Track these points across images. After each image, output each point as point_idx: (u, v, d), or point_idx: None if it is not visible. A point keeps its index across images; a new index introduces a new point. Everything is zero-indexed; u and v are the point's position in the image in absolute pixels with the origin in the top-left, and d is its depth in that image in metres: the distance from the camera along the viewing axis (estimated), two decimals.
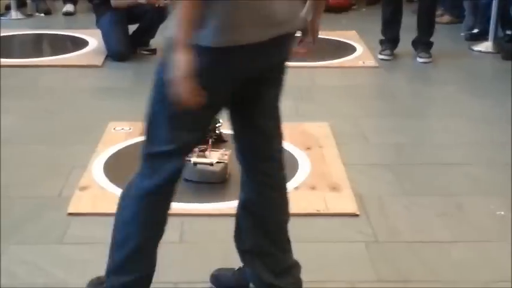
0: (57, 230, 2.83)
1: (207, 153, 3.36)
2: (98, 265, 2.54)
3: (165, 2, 5.18)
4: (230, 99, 2.08)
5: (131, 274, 2.16)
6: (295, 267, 2.36)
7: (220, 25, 1.88)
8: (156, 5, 5.18)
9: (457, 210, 3.05)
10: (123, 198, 2.17)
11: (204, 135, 2.19)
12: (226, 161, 3.31)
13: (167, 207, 2.15)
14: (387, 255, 2.70)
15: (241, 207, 2.32)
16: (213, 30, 1.88)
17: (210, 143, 3.41)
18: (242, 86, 2.06)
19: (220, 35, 1.88)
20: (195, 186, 3.21)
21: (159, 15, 5.22)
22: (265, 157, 2.23)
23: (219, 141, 3.53)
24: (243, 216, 2.31)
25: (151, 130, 2.06)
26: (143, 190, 2.09)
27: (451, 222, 2.95)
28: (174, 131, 2.01)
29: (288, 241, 2.36)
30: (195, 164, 3.26)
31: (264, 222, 2.30)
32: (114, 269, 2.18)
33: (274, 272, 2.29)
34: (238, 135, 2.21)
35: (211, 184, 3.26)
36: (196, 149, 3.28)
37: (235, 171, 3.40)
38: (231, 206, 2.99)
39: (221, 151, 3.40)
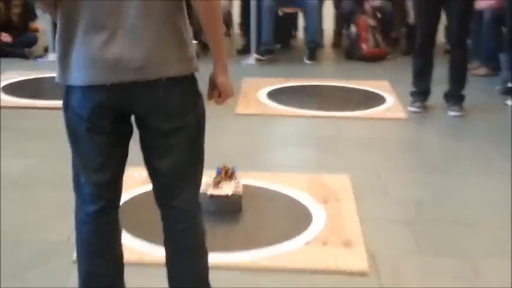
0: (61, 276, 2.79)
1: (220, 184, 3.45)
2: None
3: None
4: (109, 135, 2.13)
5: None
6: None
7: (59, 63, 2.09)
8: None
9: (473, 273, 2.92)
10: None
11: (107, 177, 2.19)
12: (240, 193, 3.42)
13: (104, 236, 2.25)
14: None
15: None
16: (58, 67, 2.10)
17: (223, 175, 3.54)
18: (118, 125, 2.13)
19: (60, 73, 2.10)
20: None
21: None
22: (165, 205, 2.26)
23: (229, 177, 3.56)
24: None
25: (73, 164, 2.23)
26: (77, 220, 2.25)
27: (466, 286, 2.83)
28: (77, 163, 2.20)
29: None
30: (211, 196, 3.37)
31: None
32: None
33: None
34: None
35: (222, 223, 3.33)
36: (210, 181, 3.44)
37: (248, 201, 3.43)
38: (235, 259, 2.96)
39: (234, 182, 3.50)
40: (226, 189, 3.44)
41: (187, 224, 2.26)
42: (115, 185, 2.23)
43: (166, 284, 2.76)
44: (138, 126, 2.17)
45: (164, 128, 2.11)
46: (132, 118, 2.17)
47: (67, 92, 2.12)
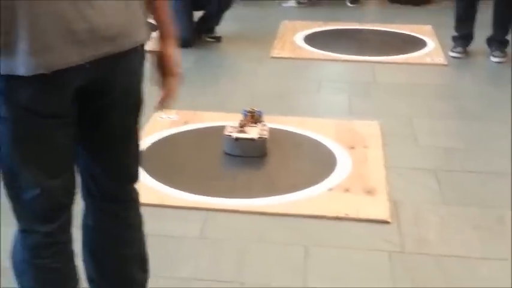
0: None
1: (246, 128, 3.46)
2: None
3: None
4: (72, 126, 1.70)
5: None
6: None
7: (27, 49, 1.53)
8: None
9: (496, 224, 2.87)
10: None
11: (67, 180, 1.75)
12: (266, 136, 3.42)
13: (65, 258, 1.81)
14: (410, 267, 2.56)
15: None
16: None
17: (249, 118, 3.55)
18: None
19: (31, 60, 1.54)
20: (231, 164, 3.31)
21: (224, 2, 5.21)
22: (117, 188, 1.90)
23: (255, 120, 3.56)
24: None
25: (13, 178, 1.70)
26: (27, 247, 1.77)
27: (487, 236, 2.78)
28: (28, 174, 1.68)
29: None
30: (237, 139, 3.37)
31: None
32: None
33: None
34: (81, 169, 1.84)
35: (248, 167, 3.33)
36: (236, 125, 3.45)
37: (274, 145, 3.43)
38: (257, 203, 2.97)
39: (260, 126, 3.49)
40: (252, 132, 3.44)
41: (136, 203, 1.96)
42: (73, 187, 1.79)
43: (185, 226, 2.81)
44: (99, 109, 1.74)
45: (126, 103, 1.77)
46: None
47: (11, 86, 1.57)
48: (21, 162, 1.66)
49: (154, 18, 1.80)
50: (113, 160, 1.84)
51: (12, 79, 1.56)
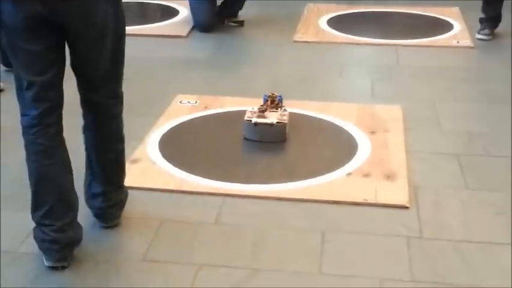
0: None
1: (266, 113, 3.43)
2: (130, 242, 2.55)
3: None
4: (46, 42, 2.27)
5: (43, 207, 2.37)
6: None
7: None
8: None
9: None
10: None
11: (49, 79, 2.33)
12: (285, 121, 3.38)
13: (51, 137, 2.35)
14: (428, 253, 2.52)
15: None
16: None
17: (269, 103, 3.52)
18: (46, 34, 2.26)
19: None
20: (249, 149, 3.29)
21: None
22: (90, 99, 2.50)
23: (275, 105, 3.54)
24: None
25: (15, 76, 2.35)
26: (23, 125, 2.36)
27: (510, 222, 2.72)
28: (20, 71, 2.32)
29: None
30: (256, 124, 3.34)
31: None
32: (32, 205, 2.40)
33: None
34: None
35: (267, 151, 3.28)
36: (255, 110, 3.43)
37: (294, 130, 3.39)
38: (275, 188, 2.94)
39: (280, 111, 3.46)
40: (271, 117, 3.41)
41: (112, 113, 2.57)
42: (57, 85, 2.36)
43: (203, 211, 2.80)
44: (67, 35, 2.30)
45: (91, 36, 2.30)
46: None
47: None
48: (17, 64, 2.32)
49: None
50: (84, 82, 2.45)
51: None
